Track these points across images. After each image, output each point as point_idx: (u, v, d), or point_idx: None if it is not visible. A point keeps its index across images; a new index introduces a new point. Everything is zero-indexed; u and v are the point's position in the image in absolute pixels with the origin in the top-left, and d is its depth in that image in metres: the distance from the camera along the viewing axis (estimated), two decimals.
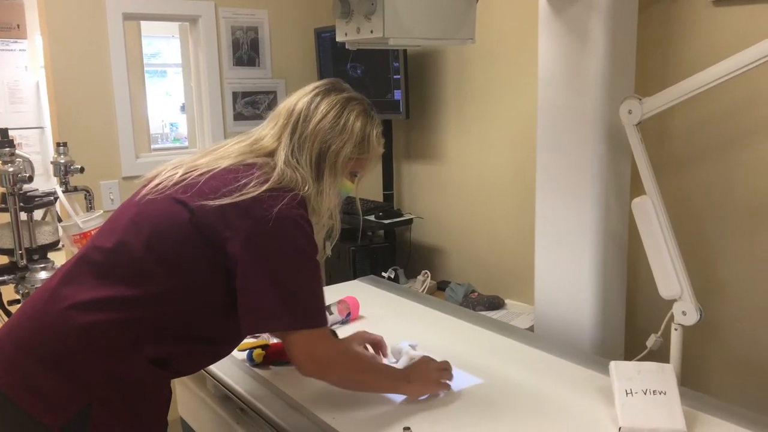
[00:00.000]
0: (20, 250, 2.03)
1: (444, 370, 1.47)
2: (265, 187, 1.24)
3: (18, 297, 2.09)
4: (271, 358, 1.63)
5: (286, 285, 1.24)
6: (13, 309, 2.06)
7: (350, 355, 1.45)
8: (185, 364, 1.33)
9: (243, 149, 1.35)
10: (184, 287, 1.24)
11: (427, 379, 1.44)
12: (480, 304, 2.46)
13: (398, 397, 1.44)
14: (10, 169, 1.96)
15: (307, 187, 1.30)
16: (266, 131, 1.39)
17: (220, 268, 1.24)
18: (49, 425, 1.17)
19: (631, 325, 2.09)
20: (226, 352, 1.41)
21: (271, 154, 1.34)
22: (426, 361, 1.50)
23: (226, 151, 1.35)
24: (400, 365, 1.54)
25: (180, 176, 1.29)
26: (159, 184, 1.29)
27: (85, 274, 1.25)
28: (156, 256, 1.23)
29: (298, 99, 1.39)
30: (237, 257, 1.22)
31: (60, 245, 2.20)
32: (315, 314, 1.29)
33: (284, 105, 1.40)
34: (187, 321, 1.26)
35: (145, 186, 1.33)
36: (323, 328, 1.31)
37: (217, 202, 1.22)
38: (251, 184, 1.24)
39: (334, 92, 1.39)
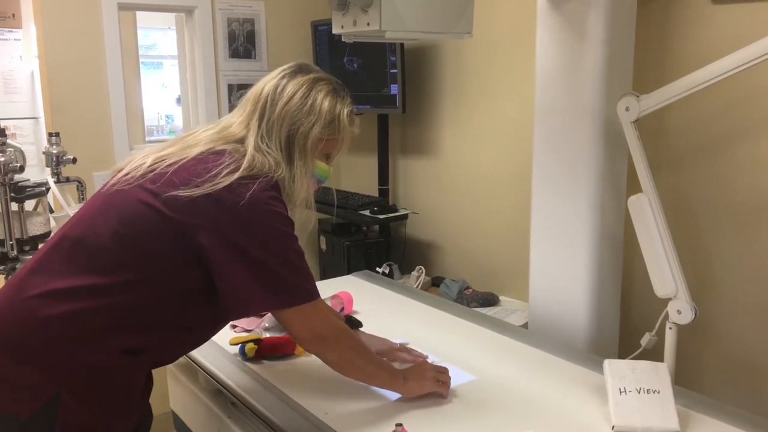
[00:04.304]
0: (11, 240, 2.01)
1: (441, 372, 1.46)
2: (236, 176, 1.22)
3: None
4: (263, 352, 1.62)
5: (266, 266, 1.23)
6: None
7: (348, 334, 1.42)
8: (160, 353, 1.32)
9: (212, 137, 1.33)
10: (154, 277, 1.23)
11: (423, 377, 1.43)
12: (474, 300, 2.45)
13: (391, 394, 1.43)
14: (1, 159, 1.94)
15: (280, 171, 1.28)
16: (234, 118, 1.37)
17: (192, 258, 1.22)
18: (17, 415, 1.17)
19: (625, 323, 2.09)
20: (203, 339, 1.40)
21: (241, 140, 1.32)
22: (423, 362, 1.51)
23: (195, 138, 1.33)
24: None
25: (148, 166, 1.27)
26: (127, 174, 1.28)
27: (54, 263, 1.24)
28: (124, 246, 1.22)
29: (265, 83, 1.37)
30: (211, 247, 1.21)
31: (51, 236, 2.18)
32: (302, 289, 1.27)
33: (252, 90, 1.38)
34: (159, 310, 1.25)
35: (114, 176, 1.31)
36: (316, 302, 1.30)
37: (189, 193, 1.20)
38: (222, 174, 1.22)
39: (300, 73, 1.37)
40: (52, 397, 1.17)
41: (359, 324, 1.63)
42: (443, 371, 1.46)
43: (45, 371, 1.18)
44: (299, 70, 1.38)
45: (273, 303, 1.26)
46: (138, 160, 1.31)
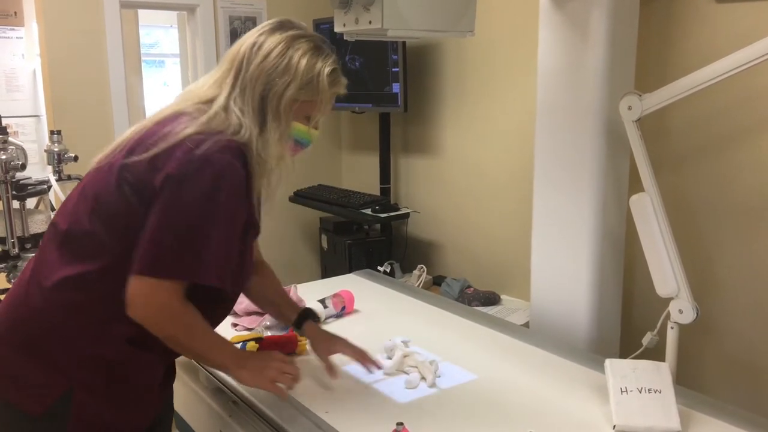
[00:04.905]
0: (12, 238, 2.01)
1: (285, 373, 1.34)
2: (188, 131, 1.18)
3: (9, 286, 2.07)
4: (264, 351, 1.62)
5: (167, 228, 1.15)
6: None
7: (189, 316, 1.24)
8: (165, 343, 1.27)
9: (182, 97, 1.30)
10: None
11: (261, 373, 1.32)
12: (476, 299, 2.45)
13: (392, 393, 1.43)
14: (3, 157, 1.94)
15: (243, 132, 1.22)
16: (208, 78, 1.32)
17: None
18: (31, 413, 1.17)
19: (626, 323, 2.08)
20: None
21: (210, 101, 1.26)
22: (273, 356, 1.39)
23: (167, 105, 1.30)
24: (393, 362, 1.53)
25: (121, 140, 1.26)
26: (107, 154, 1.27)
27: (49, 254, 1.23)
28: (103, 224, 1.19)
29: (243, 41, 1.30)
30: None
31: None
32: (173, 264, 1.16)
33: (230, 49, 1.32)
34: None
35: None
36: (176, 282, 1.18)
37: (145, 155, 1.18)
38: (176, 131, 1.19)
39: (279, 30, 1.29)
40: (64, 394, 1.17)
41: (317, 318, 1.60)
42: (289, 371, 1.35)
43: (52, 366, 1.18)
44: (280, 26, 1.30)
45: (137, 264, 1.16)
46: (117, 139, 1.30)
